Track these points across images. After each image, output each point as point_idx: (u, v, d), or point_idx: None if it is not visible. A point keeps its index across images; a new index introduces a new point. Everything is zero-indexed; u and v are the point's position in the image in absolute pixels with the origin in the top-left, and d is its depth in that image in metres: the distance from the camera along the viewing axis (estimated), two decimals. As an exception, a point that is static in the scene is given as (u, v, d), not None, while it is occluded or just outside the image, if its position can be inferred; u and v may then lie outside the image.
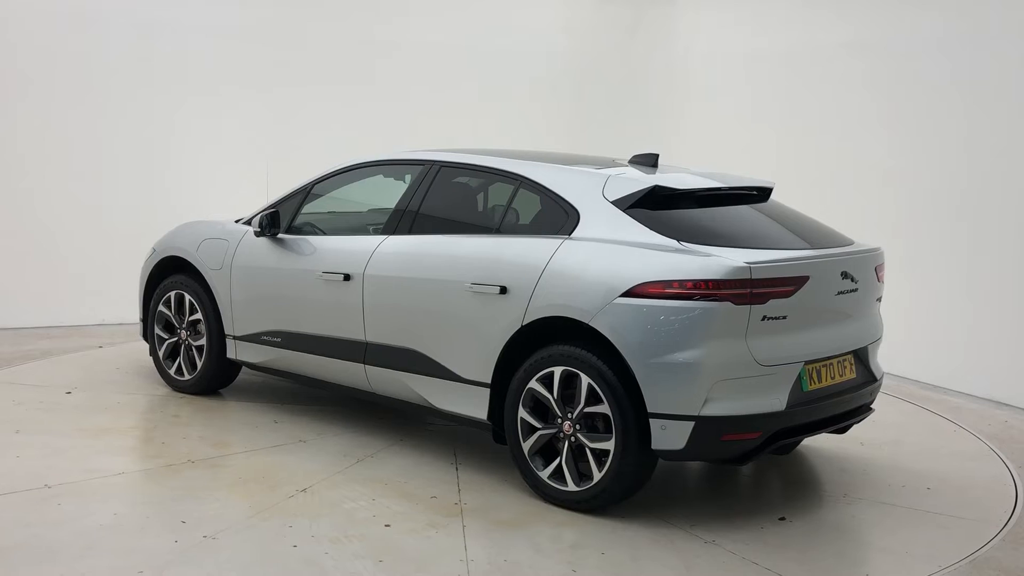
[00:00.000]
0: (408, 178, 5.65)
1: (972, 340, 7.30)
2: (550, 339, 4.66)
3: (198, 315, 6.30)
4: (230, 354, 6.21)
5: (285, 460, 5.24)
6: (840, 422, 4.89)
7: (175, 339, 6.48)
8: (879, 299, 5.15)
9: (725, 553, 4.24)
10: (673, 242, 4.47)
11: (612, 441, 4.41)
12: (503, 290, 4.77)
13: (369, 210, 6.22)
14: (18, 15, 8.27)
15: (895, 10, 7.97)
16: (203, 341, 6.30)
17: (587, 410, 4.50)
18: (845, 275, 4.72)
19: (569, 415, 4.56)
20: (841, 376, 4.75)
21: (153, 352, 6.61)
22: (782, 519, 4.66)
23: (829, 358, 4.68)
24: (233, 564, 3.94)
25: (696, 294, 4.22)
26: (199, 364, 6.34)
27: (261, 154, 9.15)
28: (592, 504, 4.57)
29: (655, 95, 10.54)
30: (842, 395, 4.74)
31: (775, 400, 4.37)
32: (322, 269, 5.60)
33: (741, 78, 9.58)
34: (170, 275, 6.52)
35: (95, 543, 4.07)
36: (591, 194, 4.80)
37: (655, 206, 4.70)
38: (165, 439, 5.55)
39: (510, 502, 4.75)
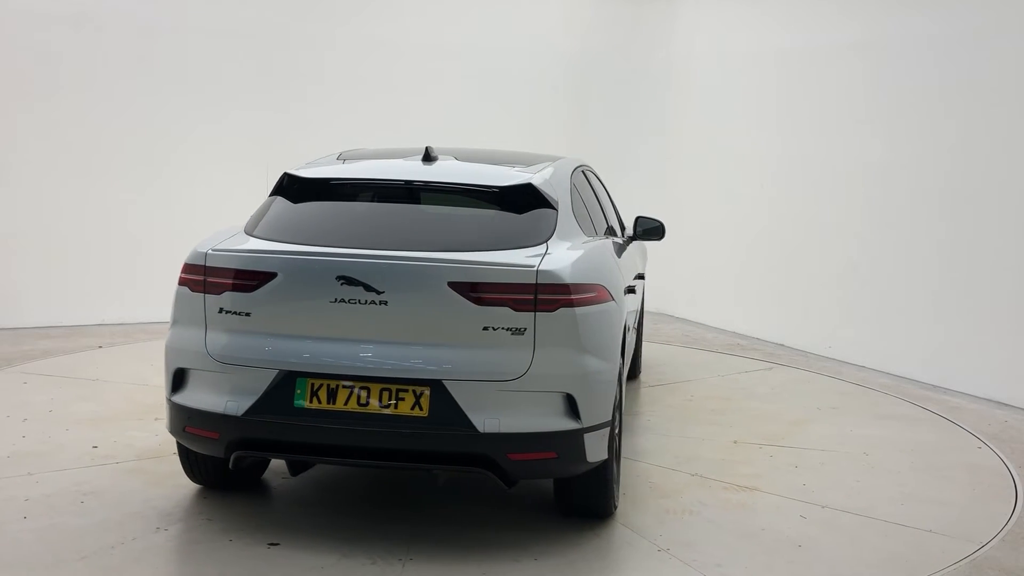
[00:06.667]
0: None
1: (972, 340, 7.30)
2: None
3: None
4: None
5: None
6: (384, 459, 4.06)
7: None
8: (510, 329, 3.92)
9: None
10: (240, 229, 4.42)
11: None
12: None
13: None
14: (19, 16, 8.27)
15: (894, 10, 7.97)
16: None
17: None
18: (347, 281, 3.94)
19: None
20: (387, 407, 3.91)
21: None
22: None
23: (356, 379, 3.93)
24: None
25: (181, 279, 4.22)
26: None
27: (261, 154, 9.15)
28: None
29: (655, 93, 10.55)
30: (381, 429, 3.90)
31: (233, 404, 3.99)
32: None
33: (741, 76, 9.58)
34: None
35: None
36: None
37: (292, 195, 4.55)
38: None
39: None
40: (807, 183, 8.81)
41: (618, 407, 4.62)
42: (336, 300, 3.95)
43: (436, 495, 4.80)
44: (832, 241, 8.56)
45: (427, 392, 3.91)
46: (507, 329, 3.91)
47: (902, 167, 7.85)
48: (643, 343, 7.72)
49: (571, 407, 3.99)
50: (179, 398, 4.17)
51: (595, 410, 4.07)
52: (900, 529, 4.60)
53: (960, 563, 4.22)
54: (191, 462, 4.58)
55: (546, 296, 3.93)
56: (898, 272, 7.91)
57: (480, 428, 3.88)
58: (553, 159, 5.27)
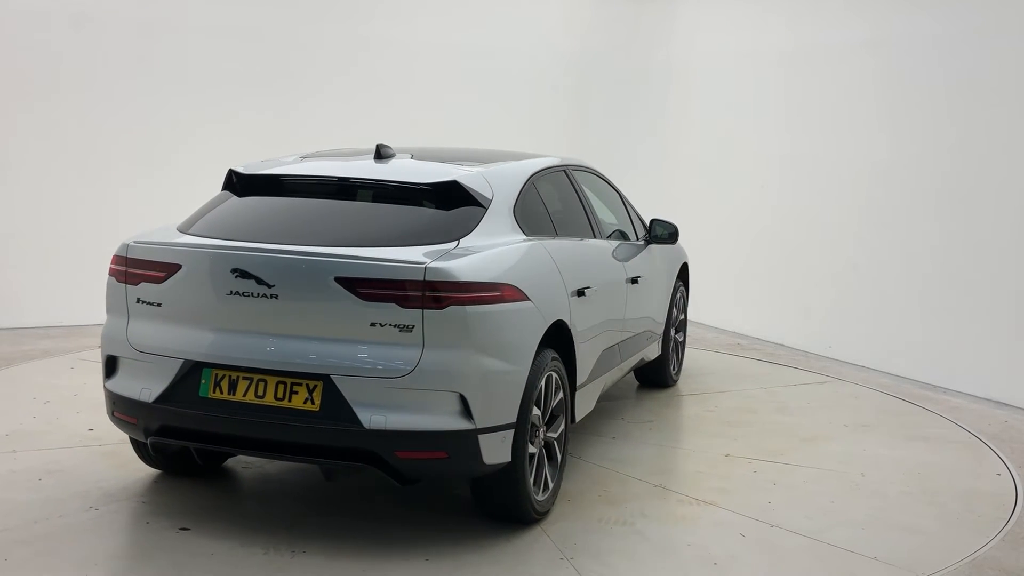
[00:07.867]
0: None
1: (972, 340, 7.29)
2: None
3: None
4: None
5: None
6: (278, 452, 4.09)
7: None
8: (397, 326, 3.86)
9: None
10: (173, 226, 4.52)
11: None
12: None
13: None
14: (19, 16, 8.27)
15: (895, 9, 7.97)
16: None
17: None
18: (242, 274, 3.97)
19: None
20: (281, 400, 3.93)
21: None
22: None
23: (255, 371, 3.97)
24: None
25: (109, 269, 4.36)
26: None
27: (261, 155, 9.09)
28: None
29: (655, 93, 10.55)
30: (275, 421, 3.92)
31: (147, 391, 4.13)
32: None
33: (741, 76, 9.58)
34: None
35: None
36: None
37: (234, 190, 4.69)
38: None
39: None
40: (807, 183, 8.81)
41: (562, 411, 4.57)
42: (232, 293, 4.01)
43: (362, 492, 4.80)
44: (832, 241, 8.55)
45: (320, 386, 3.91)
46: (395, 326, 3.87)
47: (902, 167, 7.84)
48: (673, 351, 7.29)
49: (464, 407, 3.91)
50: (109, 384, 4.32)
51: (492, 411, 3.99)
52: (842, 554, 4.26)
53: (960, 563, 4.21)
54: (138, 446, 4.70)
55: (435, 293, 3.86)
56: (898, 272, 7.90)
57: (366, 424, 3.85)
58: (520, 157, 5.20)
